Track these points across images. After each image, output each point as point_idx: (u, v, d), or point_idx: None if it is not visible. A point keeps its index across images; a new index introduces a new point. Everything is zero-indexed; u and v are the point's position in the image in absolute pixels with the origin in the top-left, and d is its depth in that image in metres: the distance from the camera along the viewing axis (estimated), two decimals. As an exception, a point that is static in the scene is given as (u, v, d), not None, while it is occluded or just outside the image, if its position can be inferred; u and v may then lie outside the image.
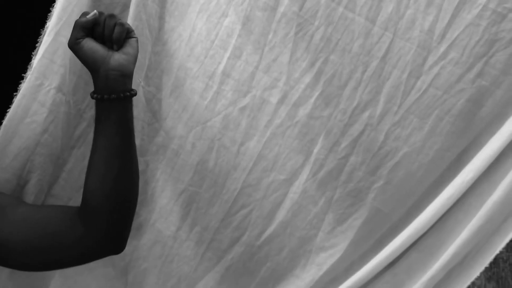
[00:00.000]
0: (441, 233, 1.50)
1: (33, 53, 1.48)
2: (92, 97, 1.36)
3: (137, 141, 1.52)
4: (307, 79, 1.52)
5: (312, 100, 1.52)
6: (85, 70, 1.49)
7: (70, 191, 1.54)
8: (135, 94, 1.37)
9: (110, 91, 1.33)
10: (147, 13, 1.50)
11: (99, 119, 1.36)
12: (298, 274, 1.54)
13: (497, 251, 1.47)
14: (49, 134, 1.49)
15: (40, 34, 1.47)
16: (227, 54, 1.52)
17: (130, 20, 1.49)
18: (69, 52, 1.45)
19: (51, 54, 1.47)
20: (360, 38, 1.49)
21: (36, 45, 1.48)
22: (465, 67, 1.46)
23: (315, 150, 1.52)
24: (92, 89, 1.45)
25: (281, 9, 1.50)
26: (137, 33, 1.48)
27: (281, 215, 1.54)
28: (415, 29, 1.47)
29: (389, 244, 1.51)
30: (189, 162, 1.54)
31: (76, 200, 1.51)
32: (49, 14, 1.47)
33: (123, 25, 1.35)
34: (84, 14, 1.36)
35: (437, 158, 1.49)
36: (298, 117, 1.53)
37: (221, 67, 1.52)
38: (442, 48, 1.46)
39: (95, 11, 1.35)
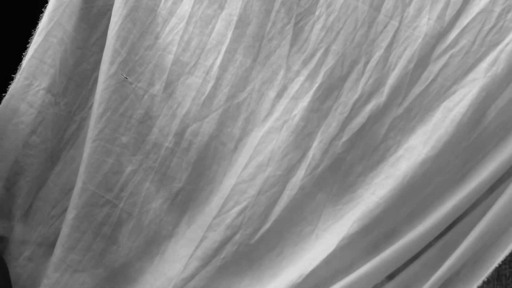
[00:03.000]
0: (444, 245, 1.38)
1: (23, 53, 1.41)
2: None
3: (126, 139, 1.41)
4: (307, 71, 1.39)
5: (311, 92, 1.39)
6: (76, 71, 1.43)
7: (59, 194, 1.44)
8: None
9: None
10: (132, 6, 1.39)
11: None
12: (292, 271, 1.41)
13: (495, 264, 1.34)
14: (37, 135, 1.40)
15: (31, 35, 1.40)
16: (224, 48, 1.40)
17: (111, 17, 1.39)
18: (60, 53, 1.39)
19: (41, 54, 1.39)
20: (363, 27, 1.37)
21: (27, 45, 1.40)
22: (477, 56, 1.34)
23: (314, 145, 1.40)
24: (83, 91, 1.40)
25: None
26: (116, 29, 1.38)
27: (276, 212, 1.41)
28: (423, 17, 1.35)
29: (388, 249, 1.38)
30: (186, 160, 1.42)
31: (64, 204, 1.43)
32: (40, 15, 1.40)
33: None
34: None
35: (446, 152, 1.35)
36: (296, 110, 1.40)
37: (218, 61, 1.40)
38: (451, 36, 1.34)
39: None
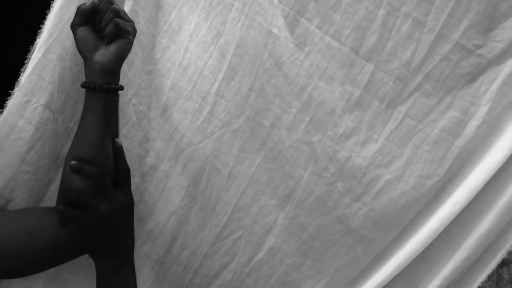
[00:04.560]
0: (425, 263, 1.45)
1: (21, 69, 1.35)
2: (81, 85, 1.31)
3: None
4: (299, 103, 1.44)
5: (303, 125, 1.44)
6: (74, 88, 1.38)
7: (56, 211, 1.37)
8: (117, 89, 1.30)
9: (92, 81, 1.29)
10: (138, 30, 1.39)
11: (84, 106, 1.32)
12: None
13: (478, 282, 1.44)
14: (35, 151, 1.34)
15: (29, 51, 1.36)
16: (221, 75, 1.41)
17: None
18: (58, 69, 1.35)
19: (40, 71, 1.34)
20: (345, 67, 1.45)
21: (25, 61, 1.35)
22: (436, 99, 1.45)
23: (305, 176, 1.45)
24: (80, 108, 1.35)
25: (275, 31, 1.42)
26: None
27: (270, 241, 1.43)
28: (394, 61, 1.45)
29: (377, 274, 1.44)
30: (180, 184, 1.41)
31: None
32: (39, 31, 1.36)
33: (117, 25, 1.28)
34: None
35: (418, 186, 1.45)
36: (290, 141, 1.44)
37: (215, 87, 1.41)
38: (417, 80, 1.45)
39: None
